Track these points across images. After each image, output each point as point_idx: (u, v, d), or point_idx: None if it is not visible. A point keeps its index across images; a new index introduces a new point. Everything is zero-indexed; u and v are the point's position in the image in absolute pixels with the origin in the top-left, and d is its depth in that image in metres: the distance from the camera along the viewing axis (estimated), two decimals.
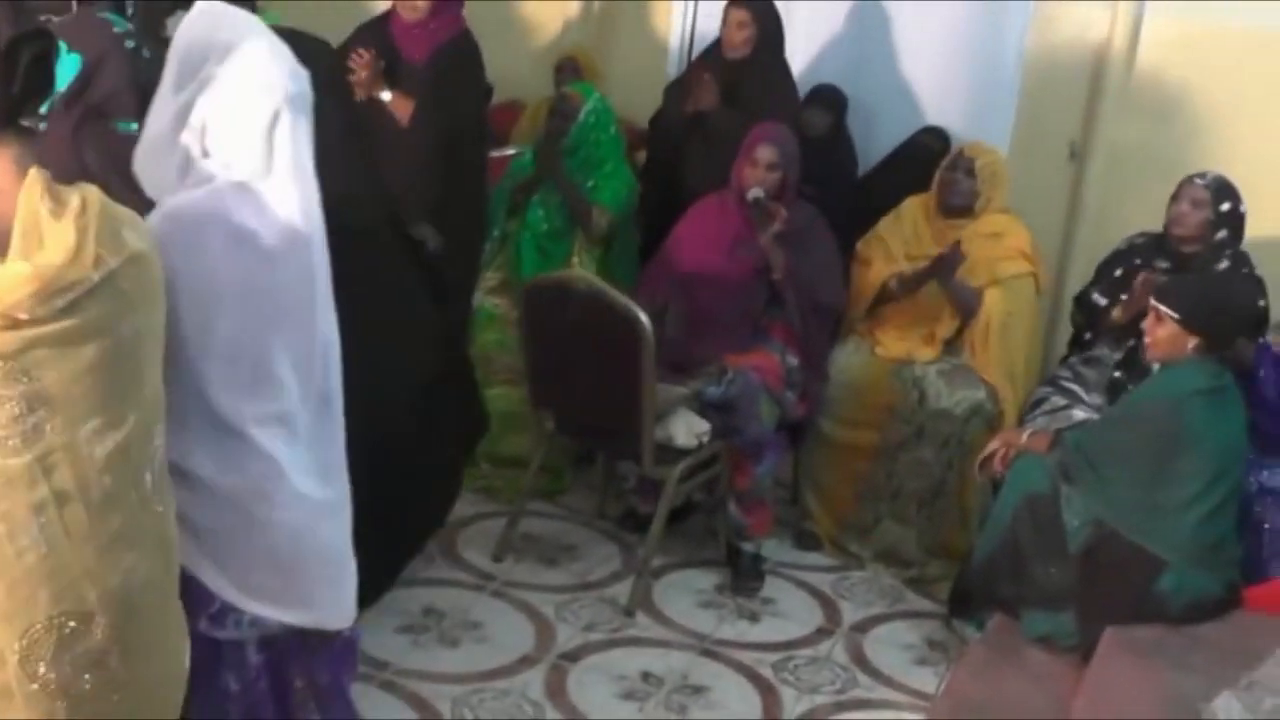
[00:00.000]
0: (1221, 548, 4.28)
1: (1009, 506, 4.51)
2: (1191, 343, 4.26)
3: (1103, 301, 5.22)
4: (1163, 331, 4.32)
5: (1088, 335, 5.34)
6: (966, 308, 5.29)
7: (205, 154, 2.57)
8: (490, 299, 5.49)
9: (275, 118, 2.58)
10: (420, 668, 4.27)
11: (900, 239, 5.50)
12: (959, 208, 5.40)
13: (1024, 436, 4.68)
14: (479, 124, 5.40)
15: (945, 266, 5.20)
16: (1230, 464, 4.26)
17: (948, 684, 4.40)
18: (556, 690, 4.29)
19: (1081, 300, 5.34)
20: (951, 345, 5.37)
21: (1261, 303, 4.93)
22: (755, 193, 5.05)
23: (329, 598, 2.82)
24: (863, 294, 5.44)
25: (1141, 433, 4.30)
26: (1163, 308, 4.30)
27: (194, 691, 2.59)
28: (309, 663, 2.88)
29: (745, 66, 5.77)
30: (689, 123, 5.74)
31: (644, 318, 4.59)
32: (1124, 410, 4.57)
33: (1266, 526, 4.47)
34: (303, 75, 2.66)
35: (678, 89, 6.00)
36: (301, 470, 2.67)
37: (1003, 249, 5.37)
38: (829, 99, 6.19)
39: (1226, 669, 3.76)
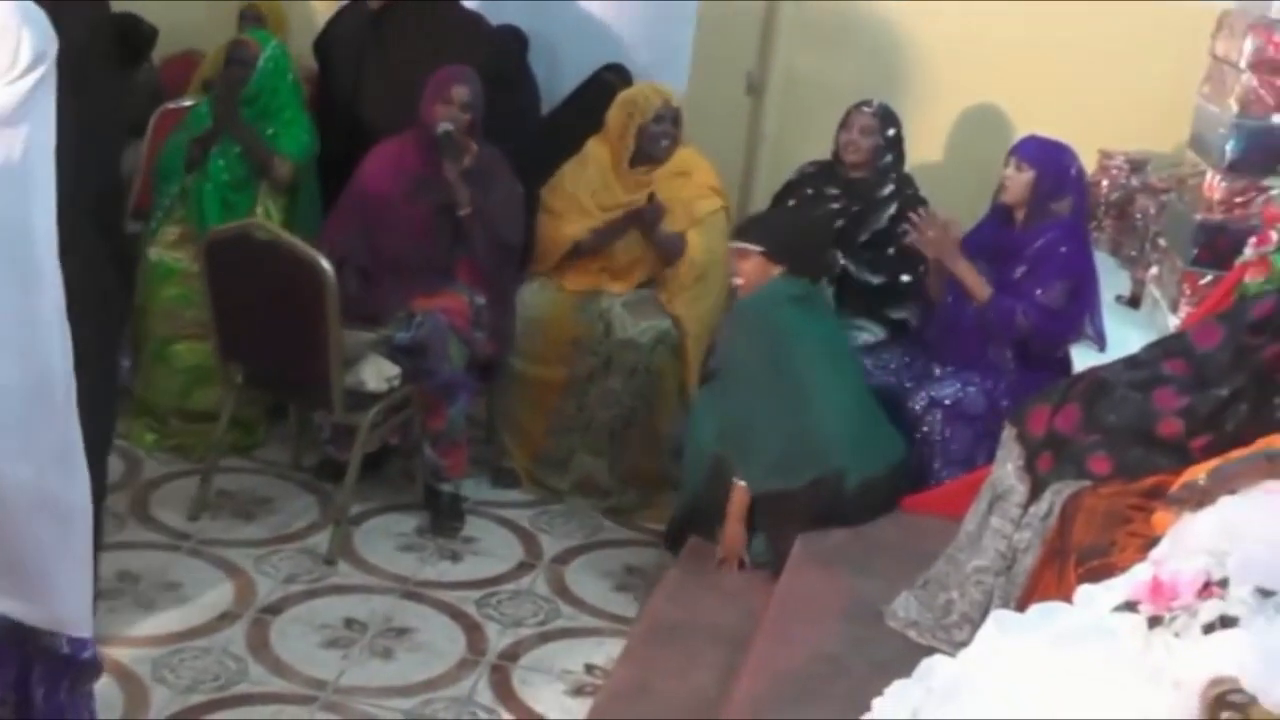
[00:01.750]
0: (872, 435, 4.56)
1: (704, 442, 4.62)
2: (776, 270, 4.57)
3: None
4: (748, 265, 4.60)
5: None
6: (673, 255, 5.37)
7: None
8: (170, 253, 5.36)
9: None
10: (116, 633, 4.17)
11: (589, 189, 5.49)
12: (661, 158, 5.46)
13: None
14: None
15: (646, 221, 5.28)
16: (839, 355, 4.64)
17: (646, 607, 4.51)
18: (259, 644, 4.26)
19: None
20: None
21: (840, 223, 5.23)
22: (445, 126, 5.02)
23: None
24: (555, 247, 5.44)
25: (751, 344, 4.54)
26: (745, 244, 4.62)
27: None
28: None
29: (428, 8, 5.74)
30: (369, 26, 5.69)
31: (326, 264, 4.56)
32: (730, 329, 4.78)
33: (937, 439, 4.68)
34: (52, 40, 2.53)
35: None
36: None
37: (693, 187, 5.45)
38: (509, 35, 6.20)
39: (903, 571, 3.93)
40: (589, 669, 4.34)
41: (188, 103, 6.00)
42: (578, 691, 4.21)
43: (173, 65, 6.56)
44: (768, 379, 4.47)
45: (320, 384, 4.71)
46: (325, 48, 5.98)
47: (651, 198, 5.29)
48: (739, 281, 4.64)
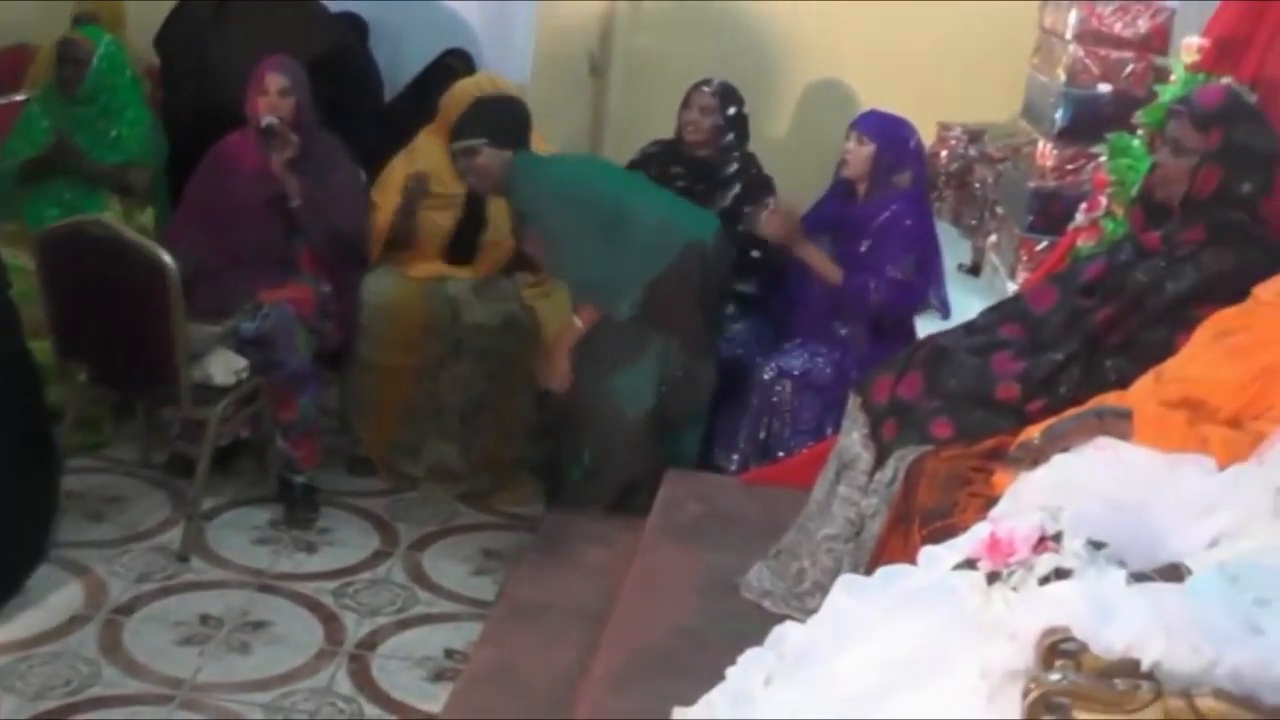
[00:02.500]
0: (692, 208, 4.95)
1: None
2: (507, 155, 4.88)
3: None
4: (481, 160, 4.86)
5: None
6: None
7: None
8: (6, 248, 5.25)
9: None
10: None
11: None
12: None
13: None
14: None
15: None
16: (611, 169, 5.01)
17: (504, 589, 4.52)
18: (111, 646, 4.19)
19: None
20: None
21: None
22: (268, 120, 4.99)
23: None
24: (376, 238, 5.42)
25: (549, 210, 4.77)
26: (469, 143, 4.89)
27: None
28: None
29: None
30: (210, 19, 5.63)
31: (166, 258, 4.50)
32: (529, 225, 4.93)
33: (787, 409, 4.74)
34: None
35: None
36: None
37: None
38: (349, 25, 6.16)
39: (756, 542, 3.98)
40: (449, 654, 4.33)
41: (19, 97, 5.86)
42: (438, 677, 4.21)
43: (3, 59, 6.42)
44: (580, 220, 4.68)
45: (167, 379, 4.65)
46: (166, 43, 5.90)
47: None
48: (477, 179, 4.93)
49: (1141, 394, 3.13)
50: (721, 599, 3.83)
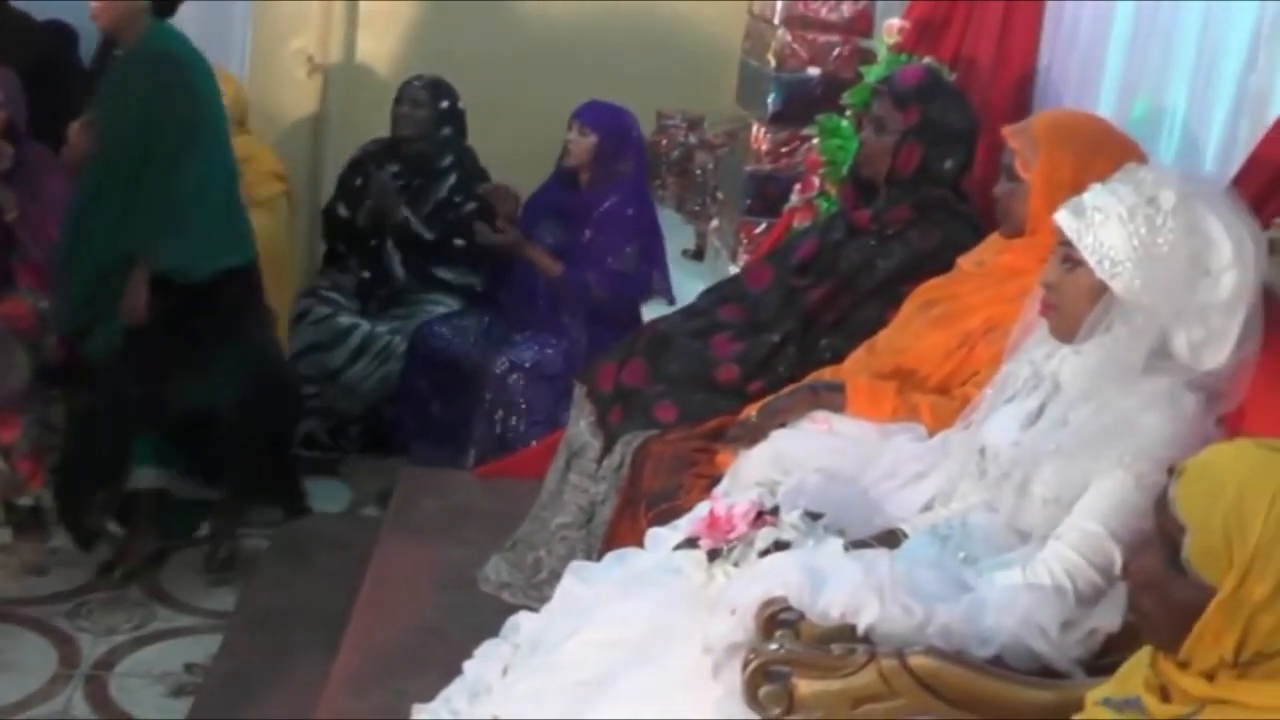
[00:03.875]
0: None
1: None
2: None
3: (346, 214, 5.38)
4: None
5: (341, 247, 5.49)
6: None
7: None
8: None
9: None
10: None
11: None
12: None
13: None
14: None
15: None
16: None
17: (242, 598, 4.46)
18: None
19: (327, 214, 5.47)
20: None
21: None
22: None
23: None
24: None
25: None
26: None
27: None
28: None
29: None
30: None
31: None
32: None
33: (520, 401, 4.78)
34: None
35: None
36: None
37: (253, 173, 5.36)
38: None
39: (493, 535, 4.00)
40: (188, 668, 4.24)
41: None
42: (178, 692, 4.12)
43: None
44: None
45: None
46: None
47: None
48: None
49: (854, 367, 3.24)
50: (460, 593, 3.83)
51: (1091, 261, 2.41)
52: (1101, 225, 2.41)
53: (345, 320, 5.30)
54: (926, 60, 4.11)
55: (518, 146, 5.55)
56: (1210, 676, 1.71)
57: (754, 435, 3.03)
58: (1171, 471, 1.74)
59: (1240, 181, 2.94)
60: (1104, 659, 2.25)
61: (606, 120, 4.97)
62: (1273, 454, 1.69)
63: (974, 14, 4.25)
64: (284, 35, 6.29)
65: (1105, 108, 3.68)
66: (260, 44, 6.21)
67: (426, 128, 5.28)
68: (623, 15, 6.13)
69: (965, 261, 3.26)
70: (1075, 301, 2.47)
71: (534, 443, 4.63)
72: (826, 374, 3.25)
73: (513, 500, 4.13)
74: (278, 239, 5.33)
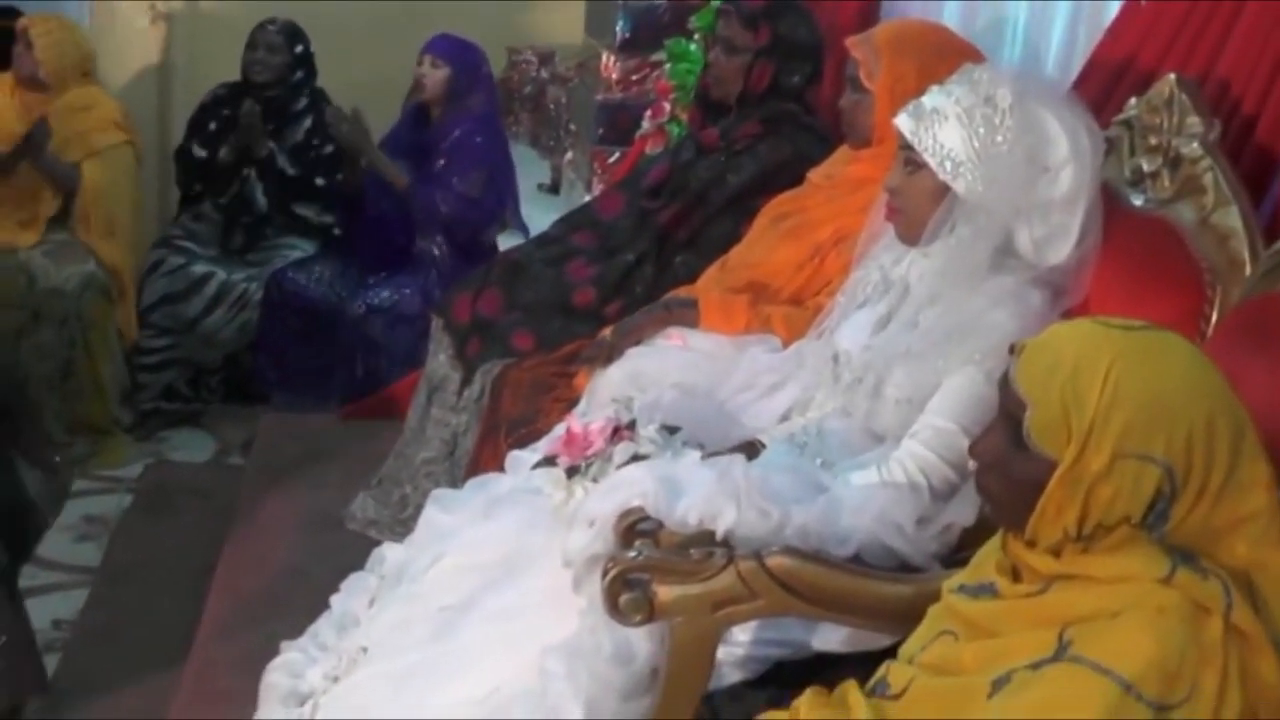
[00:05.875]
0: None
1: None
2: None
3: (203, 154, 5.29)
4: None
5: (197, 189, 5.41)
6: (66, 184, 5.18)
7: None
8: None
9: None
10: None
11: None
12: (35, 82, 5.23)
13: None
14: None
15: (34, 145, 5.06)
16: None
17: (108, 553, 4.40)
18: None
19: (181, 157, 5.38)
20: (61, 224, 5.24)
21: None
22: None
23: None
24: None
25: None
26: None
27: None
28: None
29: None
30: None
31: None
32: None
33: (381, 343, 4.75)
34: None
35: None
36: None
37: (94, 121, 5.26)
38: None
39: (357, 475, 3.98)
40: (56, 624, 4.15)
41: None
42: (46, 649, 4.01)
43: None
44: None
45: None
46: None
47: (42, 121, 5.08)
48: None
49: (708, 283, 3.25)
50: (327, 535, 3.81)
51: (933, 163, 2.43)
52: (940, 127, 2.43)
53: (200, 269, 5.21)
54: None
55: (368, 86, 5.48)
56: (1057, 553, 1.73)
57: (609, 354, 3.03)
58: (1013, 350, 1.77)
59: (1080, 85, 3.00)
60: (960, 554, 2.28)
61: (459, 53, 4.93)
62: (1108, 329, 1.72)
63: None
64: None
65: (950, 19, 3.71)
66: None
67: (282, 72, 5.21)
68: None
69: (815, 175, 3.28)
70: (919, 204, 2.49)
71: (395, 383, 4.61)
72: (681, 292, 3.25)
73: (376, 440, 4.11)
74: (120, 189, 5.23)
